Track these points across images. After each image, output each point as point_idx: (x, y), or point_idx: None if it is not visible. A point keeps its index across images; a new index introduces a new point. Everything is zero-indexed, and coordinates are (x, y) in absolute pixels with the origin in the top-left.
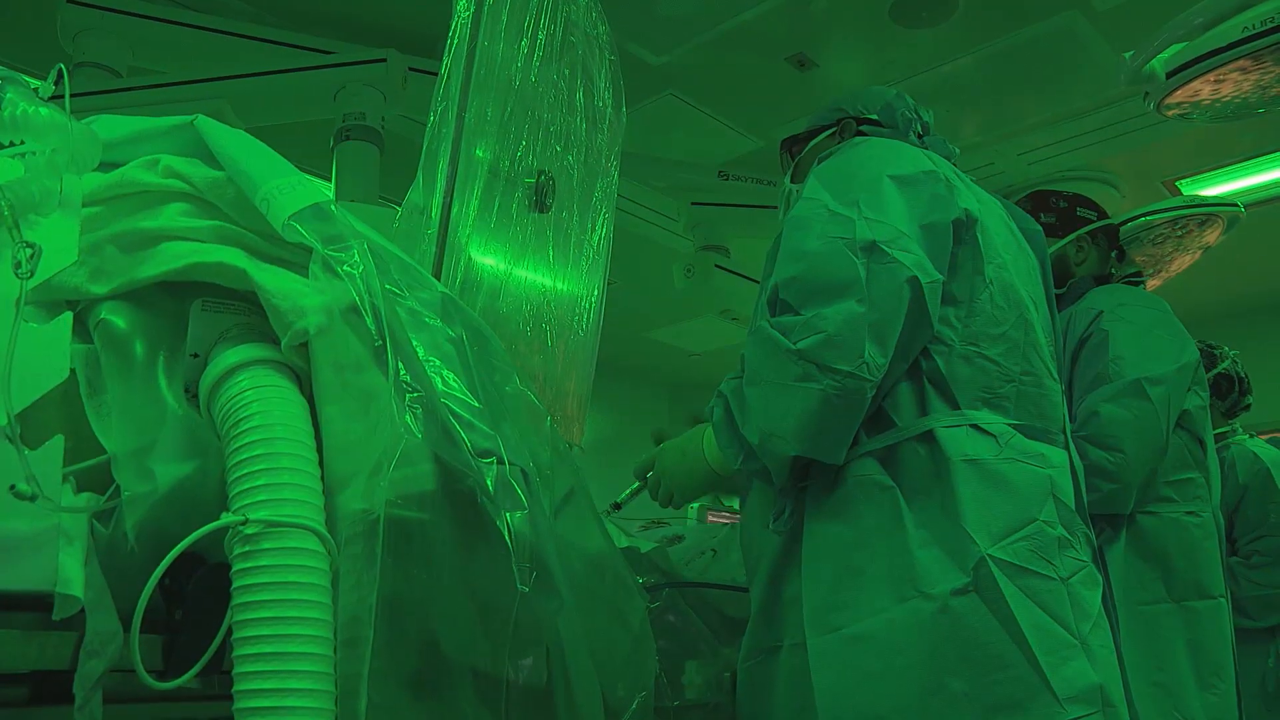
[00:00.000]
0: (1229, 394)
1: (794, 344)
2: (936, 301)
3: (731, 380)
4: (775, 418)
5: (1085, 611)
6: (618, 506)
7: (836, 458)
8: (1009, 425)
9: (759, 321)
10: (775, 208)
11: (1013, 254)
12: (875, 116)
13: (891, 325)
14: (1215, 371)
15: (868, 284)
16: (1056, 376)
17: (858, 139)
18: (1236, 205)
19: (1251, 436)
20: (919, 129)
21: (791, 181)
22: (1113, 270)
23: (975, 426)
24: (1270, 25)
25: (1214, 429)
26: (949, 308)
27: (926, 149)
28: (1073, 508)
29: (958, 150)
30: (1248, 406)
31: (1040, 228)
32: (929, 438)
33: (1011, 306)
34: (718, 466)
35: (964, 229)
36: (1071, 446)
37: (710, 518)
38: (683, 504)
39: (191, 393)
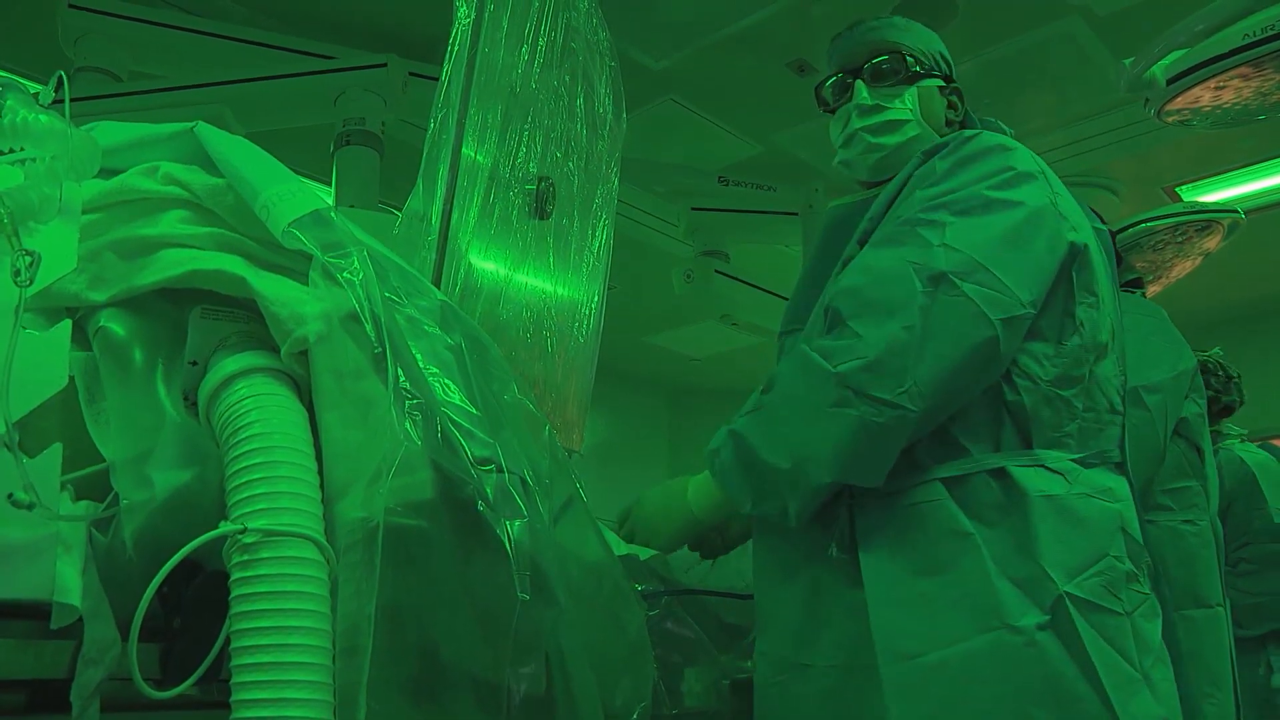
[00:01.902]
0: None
1: (834, 367)
2: (1014, 337)
3: (743, 417)
4: (811, 443)
5: (1147, 645)
6: None
7: (875, 481)
8: (1073, 461)
9: (801, 344)
10: (774, 213)
11: (1107, 283)
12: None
13: (946, 359)
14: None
15: (926, 313)
16: (1120, 409)
17: (968, 135)
18: (1237, 211)
19: (1242, 441)
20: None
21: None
22: None
23: (1043, 465)
24: (1271, 32)
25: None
26: (1036, 343)
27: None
28: (1140, 540)
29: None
30: (1228, 407)
31: (1106, 228)
32: (1002, 473)
33: (1092, 349)
34: (702, 514)
35: (1066, 264)
36: (1129, 473)
37: None
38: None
39: (190, 400)
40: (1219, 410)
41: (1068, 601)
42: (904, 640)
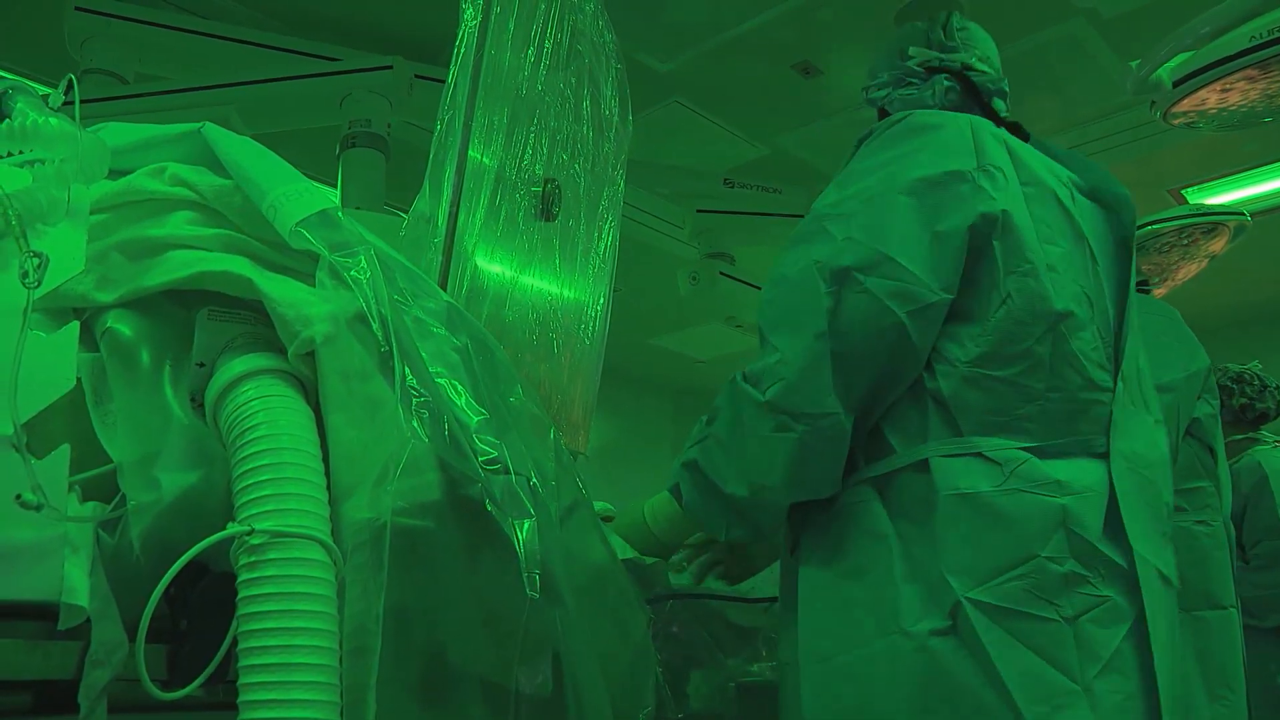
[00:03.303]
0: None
1: (763, 395)
2: (928, 326)
3: (694, 448)
4: (762, 470)
5: (1094, 653)
6: None
7: (829, 490)
8: (1024, 449)
9: (735, 375)
10: (779, 215)
11: (1060, 250)
12: (894, 74)
13: (863, 359)
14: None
15: (835, 314)
16: (1106, 384)
17: (897, 120)
18: (1243, 214)
19: (1273, 446)
20: (957, 70)
21: None
22: None
23: (979, 455)
24: (1278, 34)
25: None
26: (961, 325)
27: (961, 106)
28: (1094, 538)
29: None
30: (1260, 413)
31: (1127, 193)
32: (925, 466)
33: (1038, 319)
34: (662, 535)
35: (981, 237)
36: (1116, 459)
37: None
38: None
39: (197, 402)
40: (1255, 418)
41: (969, 607)
42: (821, 641)
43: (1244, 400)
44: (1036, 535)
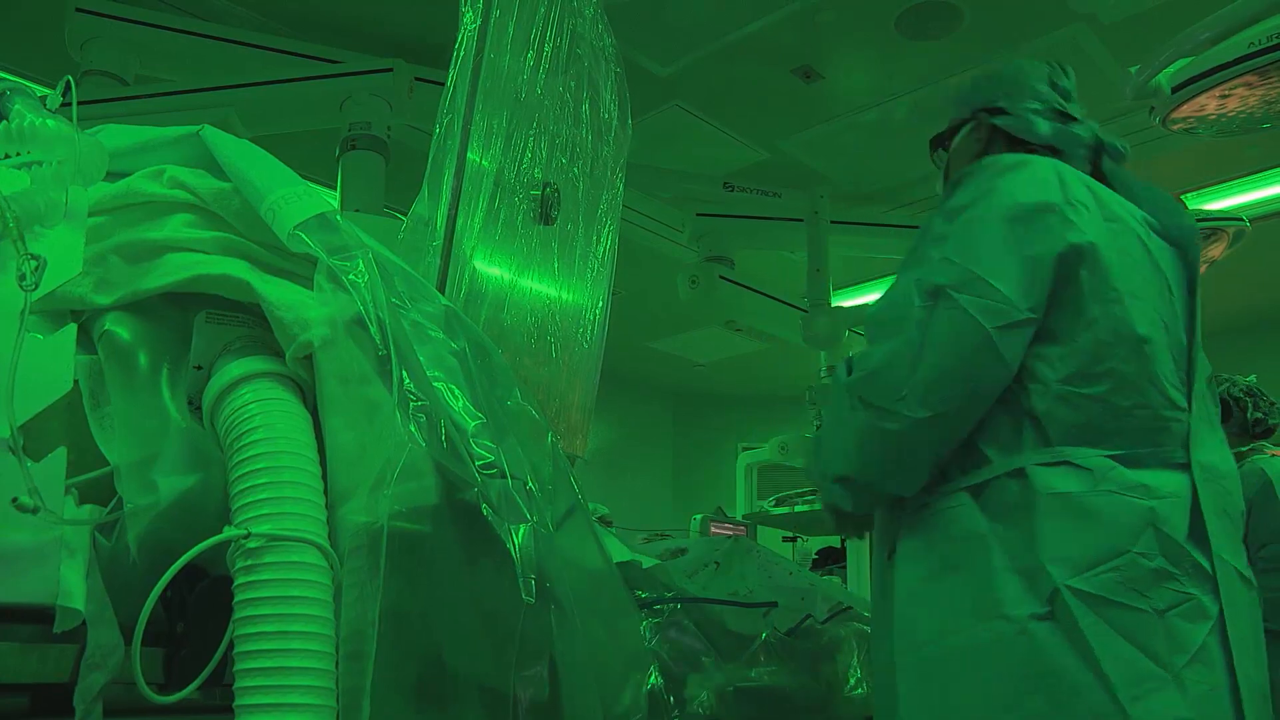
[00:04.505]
0: (1228, 418)
1: (848, 379)
2: (1015, 342)
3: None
4: (834, 444)
5: (1181, 645)
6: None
7: (901, 488)
8: (1110, 457)
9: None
10: (779, 219)
11: (1141, 278)
12: (1003, 104)
13: (940, 367)
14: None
15: (925, 327)
16: (1183, 404)
17: (987, 163)
18: (1242, 219)
19: (1264, 454)
20: (1055, 112)
21: (945, 180)
22: None
23: (1069, 463)
24: (1276, 41)
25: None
26: (1048, 345)
27: (1057, 152)
28: (1180, 539)
29: (1095, 127)
30: (1268, 427)
31: (1195, 227)
32: (1020, 474)
33: (1122, 342)
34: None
35: (1069, 265)
36: (1196, 470)
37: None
38: None
39: (195, 405)
40: (1261, 432)
41: (1067, 594)
42: (919, 632)
43: (1258, 415)
44: (1128, 532)
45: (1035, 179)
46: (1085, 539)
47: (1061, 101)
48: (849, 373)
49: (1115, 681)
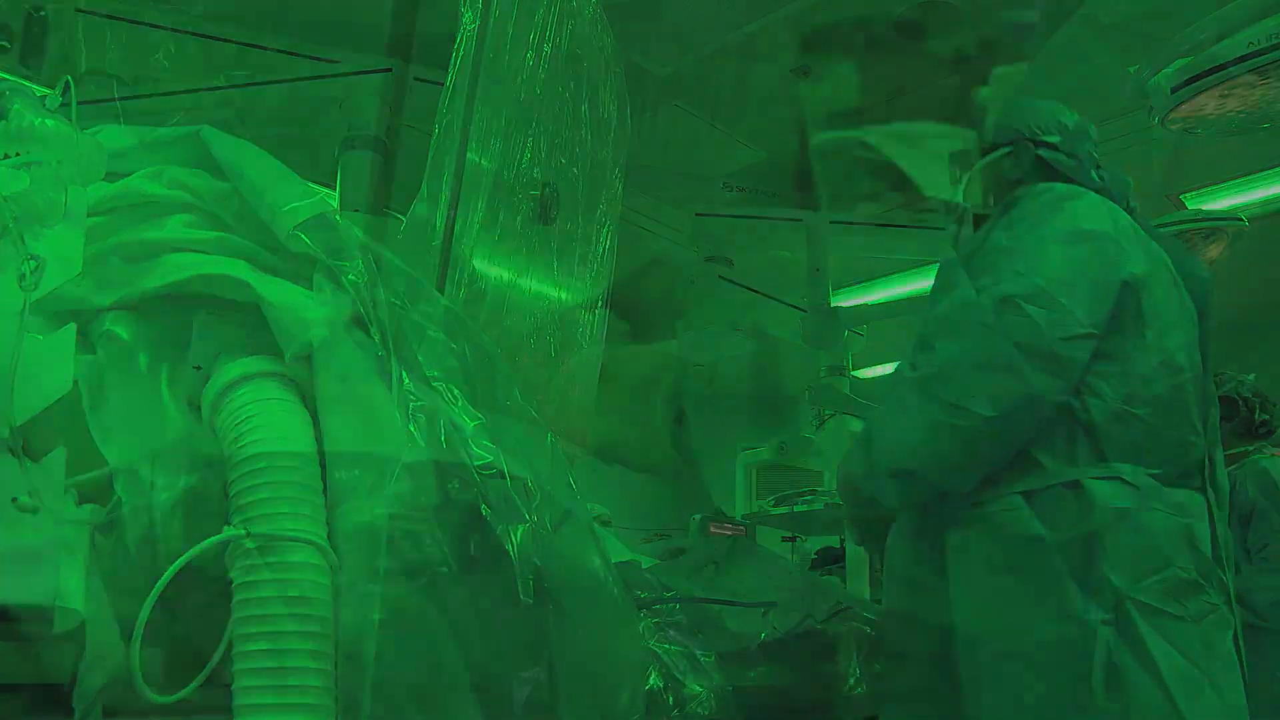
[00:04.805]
0: (1233, 417)
1: (913, 374)
2: (1075, 354)
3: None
4: (895, 436)
5: (1214, 651)
6: None
7: (956, 483)
8: (1150, 476)
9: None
10: (777, 219)
11: (1176, 311)
12: (1055, 140)
13: (1008, 371)
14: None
15: (991, 332)
16: (1199, 430)
17: (1042, 189)
18: (1240, 219)
19: (1265, 454)
20: (1097, 164)
21: (964, 198)
22: None
23: (1121, 479)
24: (1276, 41)
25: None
26: (1103, 363)
27: (1105, 192)
28: (1208, 554)
29: (1131, 182)
30: (1268, 428)
31: (1210, 275)
32: (1076, 485)
33: (1166, 369)
34: None
35: (1129, 291)
36: (1210, 491)
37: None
38: None
39: (194, 405)
40: (1265, 433)
41: (1128, 603)
42: (982, 625)
43: (1265, 416)
44: (1171, 548)
45: (1094, 211)
46: (1139, 552)
47: (1096, 152)
48: (912, 369)
49: (1170, 683)
